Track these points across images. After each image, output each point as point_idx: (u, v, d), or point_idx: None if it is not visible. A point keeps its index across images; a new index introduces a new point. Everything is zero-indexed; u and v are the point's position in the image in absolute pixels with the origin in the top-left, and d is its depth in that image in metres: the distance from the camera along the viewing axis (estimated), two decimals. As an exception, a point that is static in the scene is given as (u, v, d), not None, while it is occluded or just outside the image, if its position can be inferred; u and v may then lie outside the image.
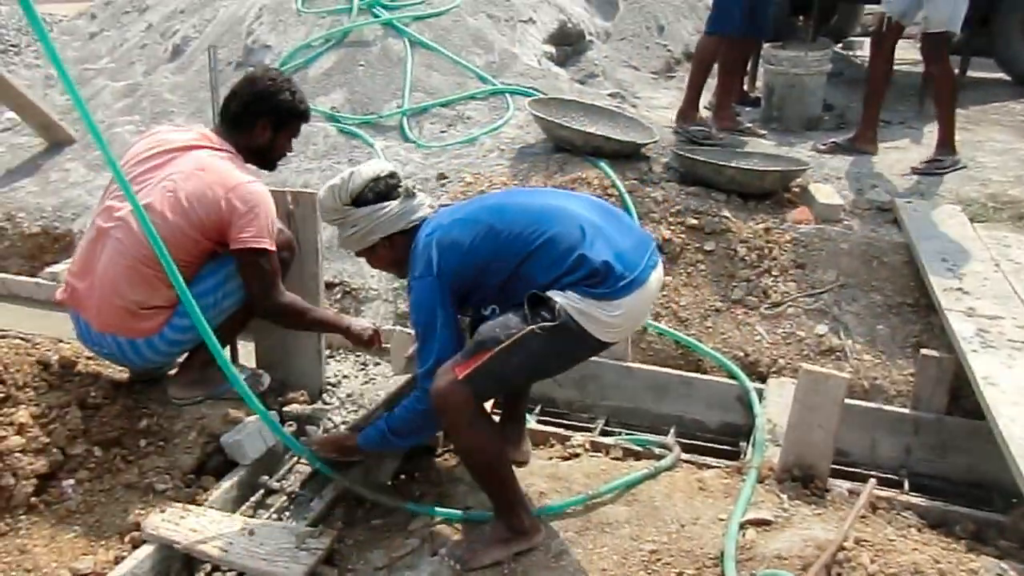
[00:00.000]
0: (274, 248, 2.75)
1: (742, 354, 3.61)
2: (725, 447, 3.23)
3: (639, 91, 6.73)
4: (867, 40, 8.17)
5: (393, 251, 2.49)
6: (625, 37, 7.90)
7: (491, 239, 2.30)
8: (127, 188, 2.25)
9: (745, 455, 2.99)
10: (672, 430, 3.27)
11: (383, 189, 2.45)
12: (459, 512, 2.55)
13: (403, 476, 2.90)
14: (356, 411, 3.12)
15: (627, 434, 3.19)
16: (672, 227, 4.15)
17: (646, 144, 4.66)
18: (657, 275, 2.36)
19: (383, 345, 3.00)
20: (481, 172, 4.55)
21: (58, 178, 5.02)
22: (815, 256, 3.92)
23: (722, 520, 2.44)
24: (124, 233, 2.68)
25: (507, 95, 5.43)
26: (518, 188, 2.64)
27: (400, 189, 2.47)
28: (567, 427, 3.20)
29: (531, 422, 3.17)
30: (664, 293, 3.97)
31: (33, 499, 2.49)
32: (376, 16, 5.92)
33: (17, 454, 2.49)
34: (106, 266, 2.72)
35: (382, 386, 3.38)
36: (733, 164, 4.37)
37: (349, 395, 3.24)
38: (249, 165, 2.89)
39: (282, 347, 3.22)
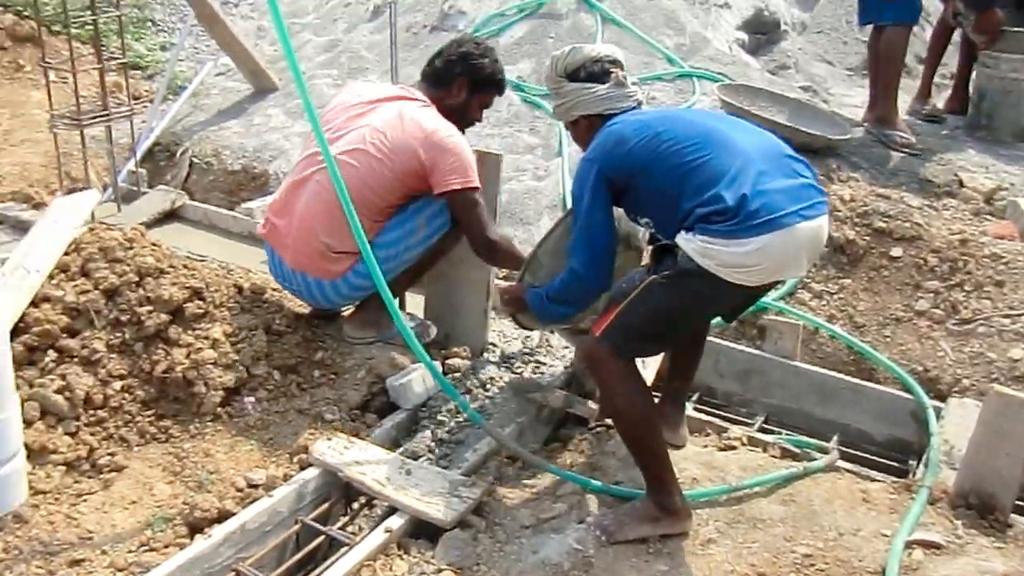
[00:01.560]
0: (479, 185, 2.86)
1: (921, 369, 3.39)
2: (891, 463, 3.05)
3: (832, 87, 6.41)
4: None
5: (588, 131, 2.55)
6: (822, 30, 7.55)
7: (652, 146, 2.30)
8: (320, 137, 2.41)
9: (914, 474, 2.81)
10: (835, 438, 3.12)
11: (597, 71, 2.54)
12: (598, 483, 2.55)
13: (555, 444, 2.93)
14: (516, 370, 3.17)
15: (787, 434, 3.07)
16: (857, 228, 3.95)
17: (837, 140, 4.44)
18: (809, 226, 2.19)
19: None
20: (660, 153, 4.47)
21: (260, 122, 5.37)
22: (1017, 275, 3.60)
23: (885, 536, 2.31)
24: (325, 178, 2.80)
25: (694, 79, 5.31)
26: (702, 109, 2.59)
27: (613, 75, 2.52)
28: (724, 419, 3.12)
29: (688, 409, 3.11)
30: (841, 296, 3.79)
31: (219, 409, 2.70)
32: (571, -11, 5.92)
33: (209, 366, 2.70)
34: (305, 208, 2.89)
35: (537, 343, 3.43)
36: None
37: (508, 356, 3.29)
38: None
39: (450, 303, 3.31)
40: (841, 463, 2.75)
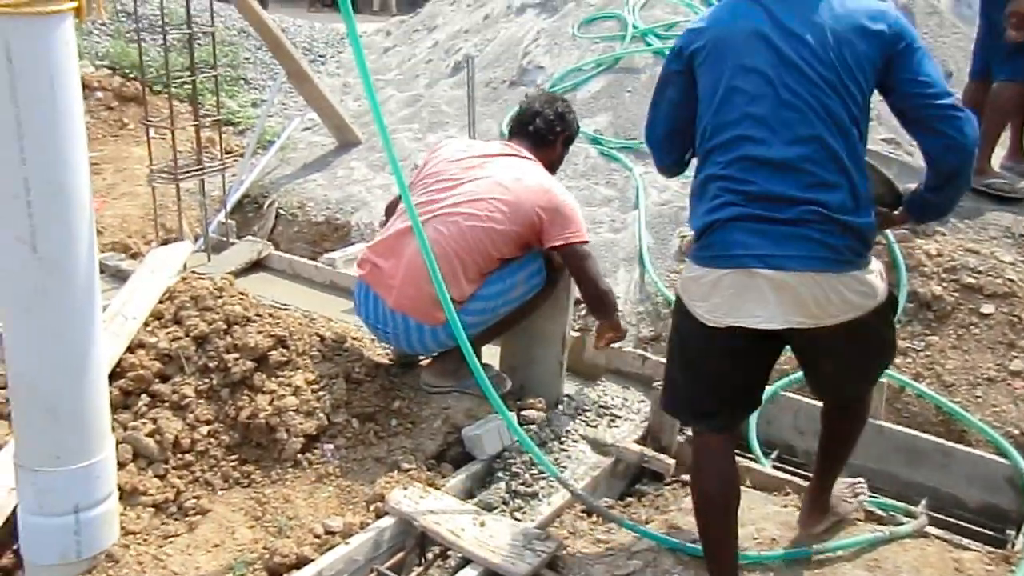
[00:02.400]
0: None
1: (1017, 432, 3.24)
2: (985, 531, 2.91)
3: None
4: None
5: None
6: (906, 80, 7.43)
7: (715, 72, 2.07)
8: (403, 188, 2.44)
9: (1013, 544, 2.67)
10: (923, 501, 3.00)
11: None
12: (675, 540, 2.49)
13: (630, 498, 2.90)
14: (591, 423, 3.16)
15: (871, 497, 2.96)
16: (944, 284, 3.83)
17: (923, 193, 4.33)
18: (775, 277, 1.92)
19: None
20: (738, 206, 4.44)
21: (343, 175, 5.55)
22: (1120, 336, 3.44)
23: (981, 609, 2.20)
24: (444, 225, 2.91)
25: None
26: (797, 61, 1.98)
27: None
28: (805, 478, 3.02)
29: (766, 467, 3.04)
30: (927, 354, 3.67)
31: (299, 456, 2.76)
32: (648, 44, 5.99)
33: (291, 412, 2.77)
34: (418, 253, 2.95)
35: (613, 393, 3.42)
36: None
37: (583, 409, 3.28)
38: None
39: (526, 354, 3.33)
40: (930, 529, 2.64)
